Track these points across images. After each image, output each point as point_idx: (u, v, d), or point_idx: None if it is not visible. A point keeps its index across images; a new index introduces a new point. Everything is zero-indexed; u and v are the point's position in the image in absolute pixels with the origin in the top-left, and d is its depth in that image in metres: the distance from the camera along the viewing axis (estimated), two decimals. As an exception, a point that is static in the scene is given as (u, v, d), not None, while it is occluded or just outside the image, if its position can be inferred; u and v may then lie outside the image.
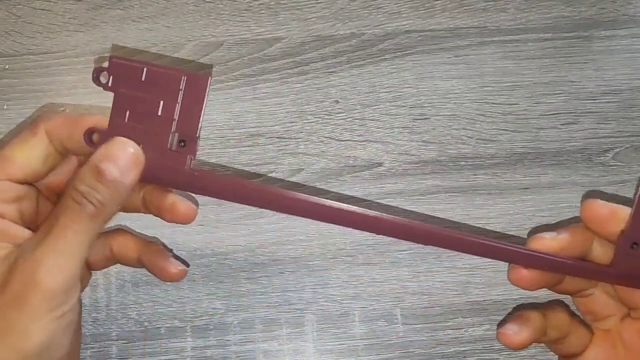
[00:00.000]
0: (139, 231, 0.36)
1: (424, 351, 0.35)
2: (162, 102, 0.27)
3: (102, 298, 0.35)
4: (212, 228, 0.37)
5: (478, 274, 0.36)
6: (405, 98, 0.39)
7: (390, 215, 0.27)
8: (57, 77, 0.38)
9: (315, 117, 0.38)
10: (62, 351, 0.26)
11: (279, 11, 0.39)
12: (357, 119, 0.38)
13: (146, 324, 0.35)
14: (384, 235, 0.28)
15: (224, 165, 0.37)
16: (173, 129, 0.27)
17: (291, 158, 0.38)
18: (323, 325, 0.36)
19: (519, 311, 0.30)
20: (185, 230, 0.36)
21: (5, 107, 0.37)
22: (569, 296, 0.31)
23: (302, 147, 0.38)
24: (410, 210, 0.37)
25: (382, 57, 0.39)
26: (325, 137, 0.38)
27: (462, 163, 0.38)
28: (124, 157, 0.26)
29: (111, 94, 0.27)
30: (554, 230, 0.29)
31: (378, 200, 0.37)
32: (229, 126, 0.38)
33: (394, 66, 0.39)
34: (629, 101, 0.39)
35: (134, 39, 0.39)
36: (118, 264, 0.35)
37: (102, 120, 0.27)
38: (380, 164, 0.38)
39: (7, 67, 0.38)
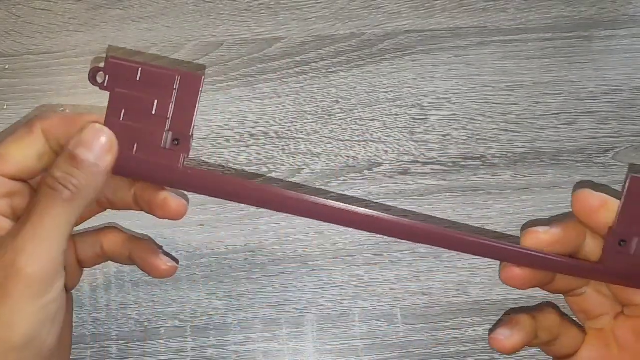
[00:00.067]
0: (139, 231, 0.36)
1: (424, 351, 0.35)
2: (156, 102, 0.27)
3: (102, 298, 0.36)
4: (212, 228, 0.37)
5: (478, 274, 0.36)
6: (405, 98, 0.39)
7: (367, 210, 0.28)
8: (57, 77, 0.38)
9: (315, 117, 0.38)
10: (49, 344, 0.26)
11: (279, 11, 0.40)
12: (357, 119, 0.38)
13: (146, 324, 0.35)
14: (370, 232, 0.28)
15: (224, 165, 0.37)
16: (167, 127, 0.27)
17: (291, 158, 0.38)
18: (323, 325, 0.36)
19: (509, 316, 0.31)
20: (185, 230, 0.36)
21: (5, 107, 0.37)
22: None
23: (302, 147, 0.38)
24: (409, 210, 0.37)
25: (382, 57, 0.39)
26: (325, 137, 0.38)
27: (462, 163, 0.38)
28: (97, 143, 0.26)
29: None
30: (547, 224, 0.29)
31: (378, 200, 0.37)
32: (229, 126, 0.38)
33: (394, 66, 0.39)
34: (629, 101, 0.39)
35: (133, 39, 0.39)
36: (119, 265, 0.36)
37: (98, 120, 0.27)
38: (380, 164, 0.38)
39: (7, 67, 0.38)
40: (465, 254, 0.28)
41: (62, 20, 0.39)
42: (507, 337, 0.29)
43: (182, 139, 0.27)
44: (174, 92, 0.27)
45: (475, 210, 0.37)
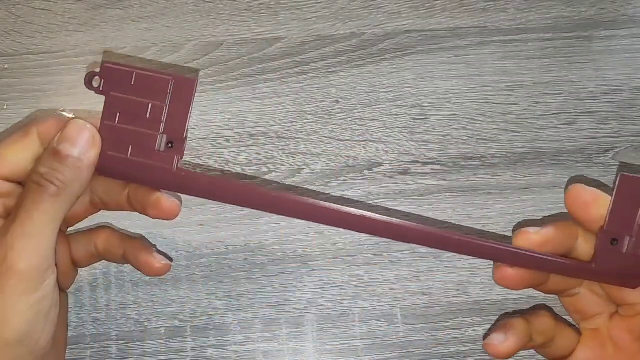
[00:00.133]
0: (139, 231, 0.36)
1: (424, 351, 0.35)
2: (150, 105, 0.28)
3: (102, 298, 0.35)
4: (212, 228, 0.36)
5: (478, 274, 0.36)
6: (405, 98, 0.39)
7: (352, 209, 0.28)
8: (57, 76, 0.38)
9: (315, 117, 0.38)
10: (43, 342, 0.27)
11: (279, 11, 0.39)
12: (357, 118, 0.38)
13: (146, 324, 0.35)
14: (355, 232, 0.28)
15: (223, 165, 0.37)
16: (161, 130, 0.28)
17: (291, 158, 0.38)
18: (323, 325, 0.36)
19: (502, 320, 0.31)
20: (185, 230, 0.36)
21: (5, 107, 0.37)
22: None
23: (302, 147, 0.38)
24: (407, 212, 0.37)
25: (382, 57, 0.39)
26: (325, 137, 0.38)
27: (462, 163, 0.38)
28: (81, 138, 0.27)
29: None
30: (539, 225, 0.29)
31: (378, 200, 0.37)
32: (229, 126, 0.38)
33: (394, 66, 0.39)
34: (629, 101, 0.39)
35: (133, 39, 0.39)
36: (119, 265, 0.36)
37: (94, 123, 0.28)
38: (380, 164, 0.38)
39: (6, 66, 0.38)
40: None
41: (62, 20, 0.39)
42: (501, 341, 0.29)
43: (176, 142, 0.28)
44: (168, 96, 0.28)
45: (475, 210, 0.37)
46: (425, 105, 0.38)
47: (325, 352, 0.35)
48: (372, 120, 0.38)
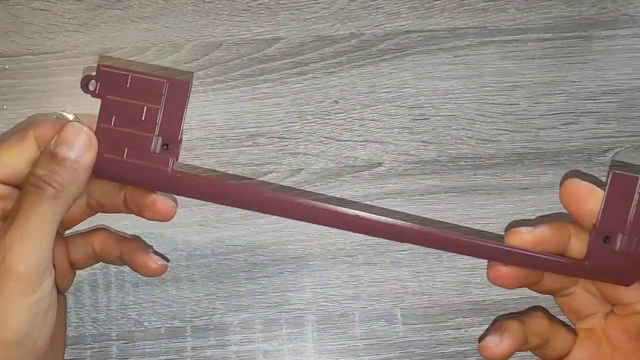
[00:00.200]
0: (139, 231, 0.36)
1: (424, 351, 0.35)
2: (145, 108, 0.28)
3: (102, 298, 0.36)
4: (212, 228, 0.37)
5: (478, 274, 0.36)
6: (404, 98, 0.39)
7: (346, 209, 0.28)
8: (57, 77, 0.38)
9: (315, 117, 0.38)
10: (41, 343, 0.27)
11: (278, 11, 0.39)
12: (356, 119, 0.38)
13: (146, 324, 0.35)
14: (348, 231, 0.28)
15: (223, 166, 0.37)
16: (156, 132, 0.28)
17: (291, 158, 0.38)
18: (323, 325, 0.36)
19: (498, 322, 0.31)
20: (185, 231, 0.36)
21: (5, 107, 0.37)
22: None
23: (302, 147, 0.38)
24: (407, 212, 0.37)
25: (382, 57, 0.39)
26: (325, 137, 0.38)
27: (462, 163, 0.38)
28: (77, 141, 0.27)
29: None
30: (532, 225, 0.29)
31: (378, 200, 0.37)
32: (229, 126, 0.38)
33: (393, 66, 0.39)
34: (629, 101, 0.39)
35: (133, 39, 0.39)
36: (119, 265, 0.36)
37: (90, 126, 0.28)
38: (380, 164, 0.38)
39: (6, 67, 0.38)
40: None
41: (62, 21, 0.39)
42: (497, 344, 0.29)
43: (171, 144, 0.28)
44: (163, 98, 0.28)
45: (475, 210, 0.37)
46: (425, 105, 0.38)
47: (325, 352, 0.35)
48: (372, 120, 0.38)
